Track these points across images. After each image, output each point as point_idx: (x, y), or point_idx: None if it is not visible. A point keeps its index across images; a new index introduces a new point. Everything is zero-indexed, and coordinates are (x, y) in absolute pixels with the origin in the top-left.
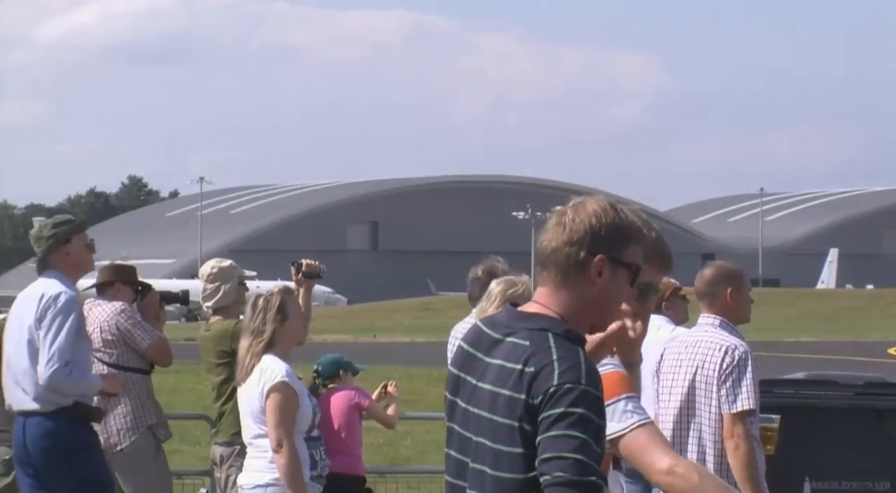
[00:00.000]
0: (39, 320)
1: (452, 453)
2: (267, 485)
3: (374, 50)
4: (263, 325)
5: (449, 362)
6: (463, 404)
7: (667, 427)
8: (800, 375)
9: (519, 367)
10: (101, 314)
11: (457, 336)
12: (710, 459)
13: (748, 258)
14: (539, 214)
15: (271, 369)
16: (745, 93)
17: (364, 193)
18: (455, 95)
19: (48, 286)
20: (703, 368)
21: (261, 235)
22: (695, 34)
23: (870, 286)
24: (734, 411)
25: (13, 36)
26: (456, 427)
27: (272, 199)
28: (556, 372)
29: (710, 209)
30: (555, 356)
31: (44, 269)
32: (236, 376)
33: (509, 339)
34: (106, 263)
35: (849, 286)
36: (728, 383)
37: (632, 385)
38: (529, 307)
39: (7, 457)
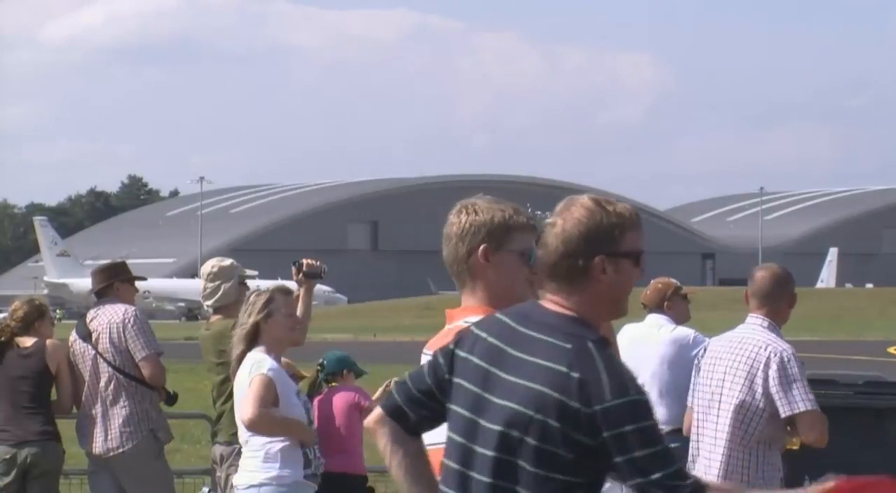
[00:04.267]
0: None
1: (457, 437)
2: (261, 485)
3: (375, 49)
4: (247, 318)
5: (463, 349)
6: (482, 393)
7: (695, 417)
8: None
9: (563, 369)
10: (115, 317)
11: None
12: (720, 452)
13: (748, 258)
14: (539, 213)
15: (259, 363)
16: (746, 92)
17: (364, 193)
18: (455, 94)
19: None
20: (742, 365)
21: (261, 235)
22: (695, 34)
23: (870, 286)
24: (803, 410)
25: (15, 36)
26: (465, 413)
27: (272, 199)
28: (608, 388)
29: (710, 209)
30: (601, 367)
31: None
32: (230, 371)
33: (544, 338)
34: (102, 263)
35: (848, 286)
36: (784, 387)
37: None
38: (550, 306)
39: (7, 457)
